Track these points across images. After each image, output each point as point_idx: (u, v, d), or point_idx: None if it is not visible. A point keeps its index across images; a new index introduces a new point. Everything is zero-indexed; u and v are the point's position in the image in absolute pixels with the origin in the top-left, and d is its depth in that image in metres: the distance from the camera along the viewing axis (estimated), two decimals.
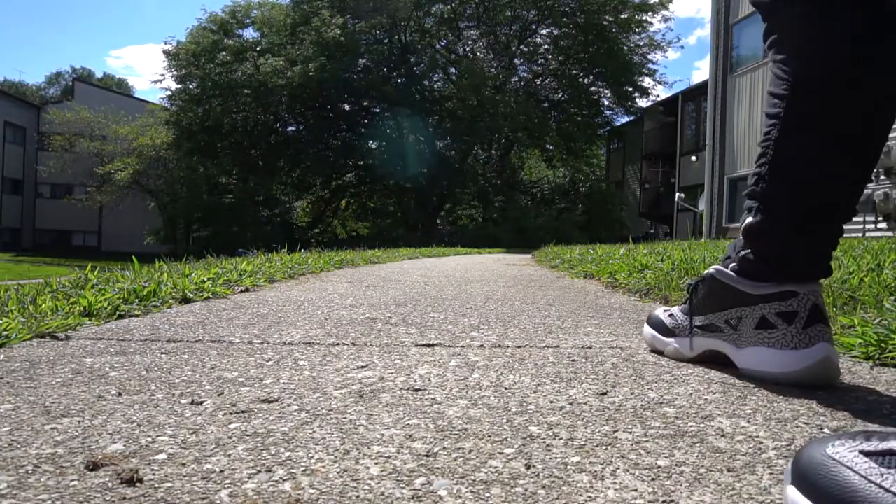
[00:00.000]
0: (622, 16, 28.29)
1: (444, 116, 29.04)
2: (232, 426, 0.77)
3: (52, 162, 34.72)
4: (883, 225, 9.00)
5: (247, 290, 2.67)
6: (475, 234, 24.01)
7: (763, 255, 1.05)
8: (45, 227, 39.47)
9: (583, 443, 0.73)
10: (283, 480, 0.61)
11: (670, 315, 1.27)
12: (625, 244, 7.06)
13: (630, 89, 29.06)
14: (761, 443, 0.74)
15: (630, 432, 0.77)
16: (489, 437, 0.74)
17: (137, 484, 0.59)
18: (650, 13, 28.57)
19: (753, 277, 1.06)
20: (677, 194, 19.32)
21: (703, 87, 20.70)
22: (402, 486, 0.60)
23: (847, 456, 0.47)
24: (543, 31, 30.24)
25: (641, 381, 1.03)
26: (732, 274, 1.10)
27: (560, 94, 30.50)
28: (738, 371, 1.08)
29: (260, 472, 0.63)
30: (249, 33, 31.71)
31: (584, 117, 30.07)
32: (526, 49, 30.36)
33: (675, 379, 1.06)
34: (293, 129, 31.22)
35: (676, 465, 0.66)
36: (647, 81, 29.28)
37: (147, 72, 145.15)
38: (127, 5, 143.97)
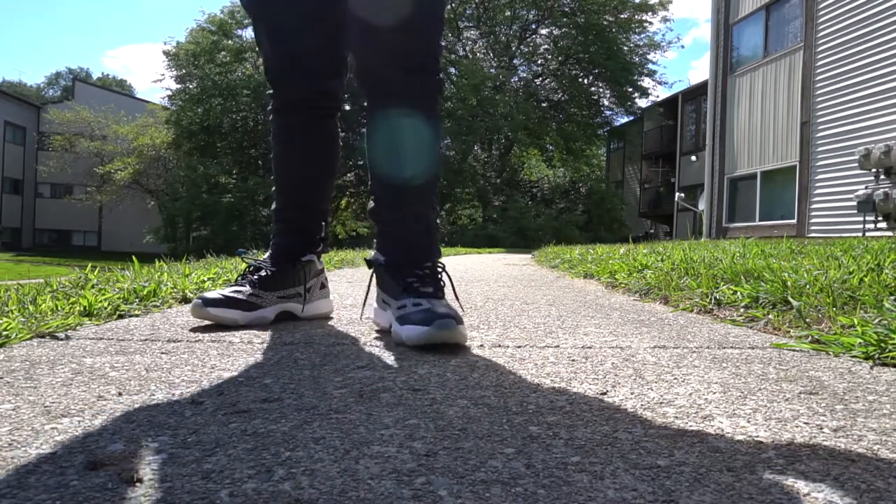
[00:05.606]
0: (622, 16, 28.33)
1: (443, 116, 28.99)
2: (232, 426, 0.77)
3: (52, 162, 34.76)
4: (883, 225, 8.99)
5: None
6: (475, 234, 24.04)
7: None
8: (45, 227, 39.51)
9: (583, 443, 0.73)
10: (283, 480, 0.61)
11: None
12: (625, 244, 7.06)
13: (630, 89, 29.12)
14: (761, 443, 0.74)
15: (630, 432, 0.77)
16: (489, 437, 0.74)
17: (137, 484, 0.59)
18: (650, 13, 28.63)
19: None
20: (677, 194, 19.33)
21: (702, 87, 20.70)
22: (402, 486, 0.60)
23: None
24: (543, 31, 30.28)
25: (641, 381, 1.03)
26: None
27: (560, 95, 30.53)
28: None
29: (260, 472, 0.63)
30: (249, 34, 31.73)
31: (583, 117, 30.12)
32: (526, 49, 30.38)
33: (675, 379, 1.06)
34: None
35: (676, 465, 0.66)
36: (646, 81, 29.39)
37: (144, 72, 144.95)
38: (124, 5, 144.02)
